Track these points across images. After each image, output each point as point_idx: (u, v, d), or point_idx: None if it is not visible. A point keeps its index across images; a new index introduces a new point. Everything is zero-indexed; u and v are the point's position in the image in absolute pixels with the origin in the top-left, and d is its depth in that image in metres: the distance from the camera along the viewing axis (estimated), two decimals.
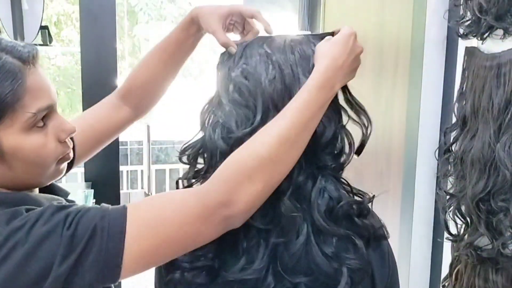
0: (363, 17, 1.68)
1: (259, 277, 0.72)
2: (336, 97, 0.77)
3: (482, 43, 0.95)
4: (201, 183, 0.78)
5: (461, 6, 1.03)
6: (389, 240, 0.79)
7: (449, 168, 1.05)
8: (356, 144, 0.79)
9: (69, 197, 0.81)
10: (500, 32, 0.89)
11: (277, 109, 0.71)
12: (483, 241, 0.92)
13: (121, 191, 2.41)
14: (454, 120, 1.05)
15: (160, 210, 0.67)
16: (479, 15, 0.92)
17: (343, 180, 0.77)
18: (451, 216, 1.02)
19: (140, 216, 0.66)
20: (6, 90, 0.65)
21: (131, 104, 0.97)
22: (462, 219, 0.99)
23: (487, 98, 0.90)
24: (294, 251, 0.71)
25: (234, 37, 0.86)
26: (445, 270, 1.14)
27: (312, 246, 0.71)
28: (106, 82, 2.06)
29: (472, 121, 0.96)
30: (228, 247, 0.74)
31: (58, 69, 7.03)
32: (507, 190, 0.85)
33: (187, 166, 0.81)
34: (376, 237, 0.75)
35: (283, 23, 2.41)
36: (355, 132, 0.79)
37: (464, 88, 1.01)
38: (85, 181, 2.10)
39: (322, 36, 0.78)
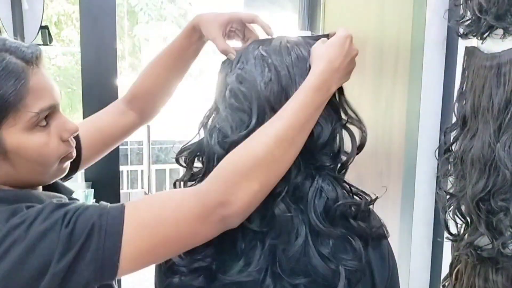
0: (363, 17, 1.68)
1: (257, 279, 0.72)
2: (334, 97, 0.77)
3: (482, 43, 0.95)
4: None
5: (461, 6, 1.03)
6: (389, 240, 0.79)
7: (449, 167, 1.05)
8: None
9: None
10: (500, 31, 0.89)
11: (274, 111, 0.72)
12: (483, 241, 0.92)
13: (121, 191, 2.41)
14: (454, 119, 1.05)
15: (158, 209, 0.68)
16: (479, 14, 0.92)
17: (343, 180, 0.77)
18: (451, 215, 1.02)
19: (138, 215, 0.67)
20: (9, 90, 0.66)
21: (137, 109, 0.99)
22: (462, 219, 0.99)
23: (487, 97, 0.90)
24: (293, 252, 0.71)
25: (236, 44, 0.87)
26: (445, 270, 1.14)
27: (309, 247, 0.71)
28: (106, 82, 2.06)
29: (472, 121, 0.96)
30: (225, 250, 0.74)
31: (58, 69, 7.04)
32: (507, 190, 0.85)
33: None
34: (376, 236, 0.75)
35: (283, 23, 2.41)
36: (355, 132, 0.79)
37: (464, 88, 1.01)
38: (85, 181, 2.11)
39: (316, 38, 0.78)
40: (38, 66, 0.71)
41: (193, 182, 0.80)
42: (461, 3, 1.02)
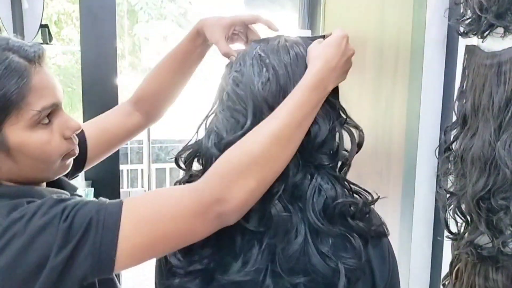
0: (363, 15, 1.68)
1: (257, 279, 0.71)
2: (333, 96, 0.77)
3: (482, 42, 0.95)
4: None
5: (462, 5, 1.03)
6: (389, 238, 0.78)
7: (449, 166, 1.05)
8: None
9: None
10: (500, 30, 0.89)
11: (272, 110, 0.72)
12: (483, 240, 0.92)
13: (121, 190, 2.41)
14: (454, 118, 1.05)
15: (155, 206, 0.69)
16: (479, 13, 0.92)
17: (343, 179, 0.77)
18: (451, 214, 1.02)
19: (135, 211, 0.68)
20: (12, 88, 0.68)
21: (142, 110, 1.01)
22: (462, 218, 0.99)
23: (487, 96, 0.90)
24: (292, 251, 0.71)
25: (240, 47, 0.88)
26: (445, 269, 1.14)
27: (309, 246, 0.71)
28: (106, 81, 2.06)
29: (473, 120, 0.96)
30: (223, 250, 0.74)
31: (58, 68, 7.03)
32: (507, 189, 0.85)
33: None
34: (376, 235, 0.75)
35: (283, 22, 2.41)
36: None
37: (464, 87, 1.01)
38: (85, 179, 2.10)
39: (313, 39, 0.79)
40: (41, 65, 0.72)
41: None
42: (462, 1, 1.02)
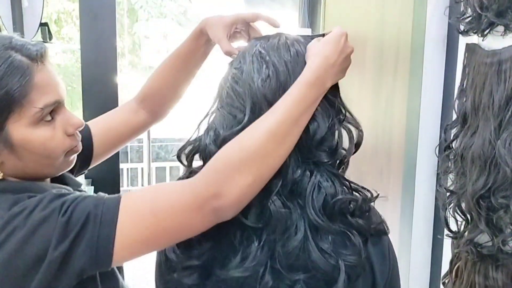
0: (364, 14, 1.68)
1: (256, 275, 0.72)
2: (333, 94, 0.77)
3: (482, 40, 0.95)
4: None
5: (462, 3, 1.03)
6: (389, 236, 0.79)
7: (450, 165, 1.05)
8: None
9: None
10: (500, 28, 0.89)
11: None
12: (483, 238, 0.92)
13: (121, 189, 2.41)
14: (454, 117, 1.05)
15: (152, 200, 0.70)
16: (479, 11, 0.92)
17: (343, 177, 0.77)
18: (451, 213, 1.02)
19: (133, 205, 0.69)
20: (15, 86, 0.69)
21: (148, 108, 1.02)
22: (462, 216, 0.99)
23: (487, 95, 0.90)
24: (292, 248, 0.71)
25: (242, 45, 0.89)
26: (445, 267, 1.14)
27: (309, 243, 0.71)
28: (106, 80, 2.06)
29: (473, 118, 0.96)
30: (223, 246, 0.74)
31: (58, 67, 7.02)
32: (508, 187, 0.85)
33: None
34: (376, 232, 0.75)
35: (283, 20, 2.41)
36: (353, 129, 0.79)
37: (464, 85, 1.01)
38: (85, 178, 2.10)
39: (313, 37, 0.79)
40: (44, 63, 0.74)
41: None
42: (462, 0, 1.02)
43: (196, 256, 0.74)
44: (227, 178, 0.68)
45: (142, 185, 6.52)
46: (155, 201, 0.69)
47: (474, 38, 1.00)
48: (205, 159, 0.76)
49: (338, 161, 0.77)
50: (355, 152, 0.78)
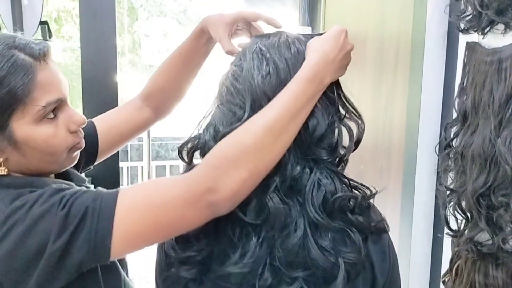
0: (364, 12, 1.68)
1: (255, 271, 0.72)
2: (333, 91, 0.77)
3: (483, 38, 0.95)
4: None
5: (462, 1, 1.02)
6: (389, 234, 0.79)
7: (450, 163, 1.05)
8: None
9: None
10: (501, 26, 0.89)
11: None
12: (483, 237, 0.92)
13: (121, 187, 2.41)
14: (454, 115, 1.05)
15: (148, 194, 0.71)
16: (480, 9, 0.91)
17: (342, 174, 0.77)
18: (451, 211, 1.02)
19: (129, 199, 0.70)
20: (18, 84, 0.71)
21: (152, 105, 1.04)
22: (463, 214, 0.99)
23: (487, 93, 0.90)
24: (291, 245, 0.71)
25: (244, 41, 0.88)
26: (445, 266, 1.14)
27: (308, 240, 0.71)
28: (105, 79, 2.05)
29: (473, 116, 0.96)
30: (222, 242, 0.74)
31: (58, 65, 7.01)
32: (508, 185, 0.85)
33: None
34: (376, 230, 0.75)
35: (283, 19, 2.40)
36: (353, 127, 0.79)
37: (464, 83, 1.01)
38: (85, 176, 2.10)
39: (313, 36, 0.80)
40: (46, 61, 0.75)
41: None
42: None
43: (196, 251, 0.74)
44: (222, 172, 0.68)
45: None
46: (151, 195, 0.70)
47: (474, 36, 0.99)
48: (205, 155, 0.76)
49: (338, 159, 0.77)
50: (354, 150, 0.78)
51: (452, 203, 1.01)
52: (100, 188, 0.75)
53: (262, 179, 0.71)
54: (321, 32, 0.82)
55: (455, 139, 1.03)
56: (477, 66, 0.95)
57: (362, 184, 0.78)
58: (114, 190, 0.72)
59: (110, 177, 2.11)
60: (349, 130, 0.78)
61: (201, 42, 0.95)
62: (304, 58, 0.75)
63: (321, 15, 2.11)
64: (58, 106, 0.77)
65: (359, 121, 0.78)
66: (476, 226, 0.93)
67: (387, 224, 0.77)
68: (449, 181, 1.05)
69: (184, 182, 0.70)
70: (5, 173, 0.75)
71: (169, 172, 6.62)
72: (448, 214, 1.03)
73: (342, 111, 0.79)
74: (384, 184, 1.49)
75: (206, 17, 0.92)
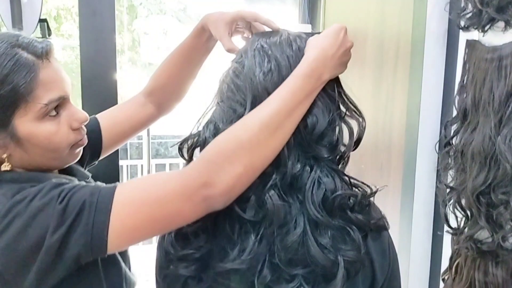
0: (364, 10, 1.68)
1: (254, 268, 0.72)
2: (332, 89, 0.77)
3: (483, 36, 0.95)
4: None
5: None
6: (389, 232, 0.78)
7: (450, 161, 1.05)
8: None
9: None
10: (501, 24, 0.89)
11: None
12: (483, 234, 0.92)
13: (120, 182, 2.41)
14: (454, 113, 1.05)
15: (144, 189, 0.72)
16: (480, 7, 0.91)
17: (342, 172, 0.77)
18: (451, 209, 1.02)
19: (126, 194, 0.71)
20: (20, 82, 0.72)
21: (155, 102, 1.06)
22: (462, 212, 0.99)
23: (488, 91, 0.90)
24: (291, 242, 0.71)
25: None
26: (445, 263, 1.14)
27: (308, 238, 0.71)
28: (105, 77, 2.05)
29: (473, 114, 0.96)
30: (221, 239, 0.74)
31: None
32: (508, 183, 0.85)
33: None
34: (376, 228, 0.75)
35: (283, 16, 2.40)
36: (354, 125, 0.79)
37: (465, 81, 1.01)
38: None
39: (313, 34, 0.80)
40: (49, 60, 0.77)
41: None
42: None
43: (194, 249, 0.74)
44: (218, 167, 0.68)
45: None
46: (147, 189, 0.71)
47: (474, 34, 0.99)
48: None
49: (338, 157, 0.77)
50: (355, 148, 0.78)
51: (452, 201, 1.01)
52: (99, 183, 0.76)
53: (260, 175, 0.71)
54: (321, 30, 0.82)
55: (455, 137, 1.03)
56: (477, 64, 0.95)
57: (362, 182, 0.77)
58: (112, 184, 0.73)
59: (109, 175, 2.11)
60: (350, 128, 0.77)
61: (202, 40, 0.95)
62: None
63: (321, 13, 2.11)
64: (60, 104, 0.78)
65: (360, 119, 0.78)
66: (476, 224, 0.93)
67: (387, 222, 0.77)
68: (449, 179, 1.05)
69: (179, 176, 0.71)
70: (8, 169, 0.77)
71: (168, 170, 6.62)
72: (448, 212, 1.03)
73: (342, 108, 0.78)
74: (384, 182, 1.49)
75: (206, 15, 0.92)
